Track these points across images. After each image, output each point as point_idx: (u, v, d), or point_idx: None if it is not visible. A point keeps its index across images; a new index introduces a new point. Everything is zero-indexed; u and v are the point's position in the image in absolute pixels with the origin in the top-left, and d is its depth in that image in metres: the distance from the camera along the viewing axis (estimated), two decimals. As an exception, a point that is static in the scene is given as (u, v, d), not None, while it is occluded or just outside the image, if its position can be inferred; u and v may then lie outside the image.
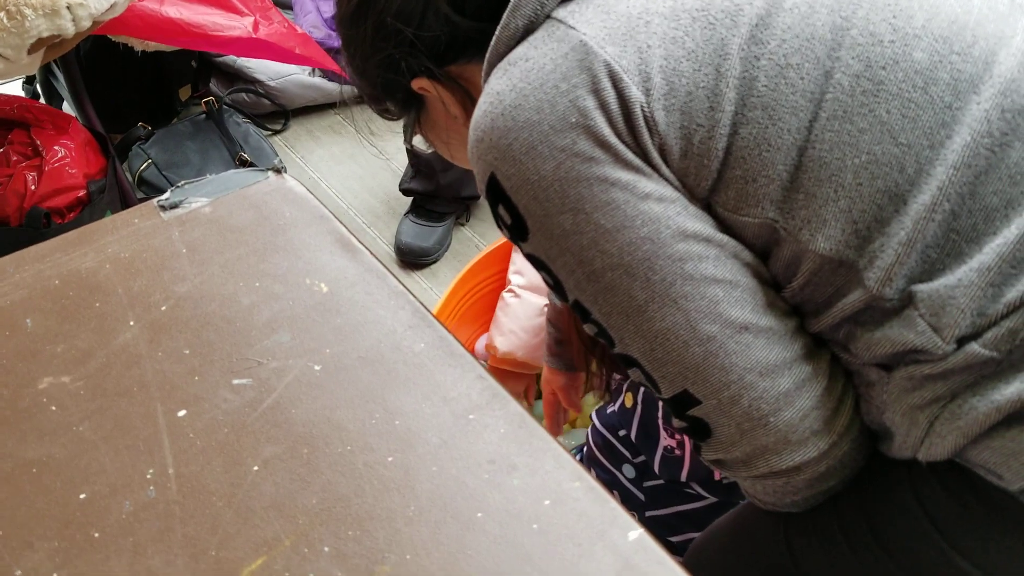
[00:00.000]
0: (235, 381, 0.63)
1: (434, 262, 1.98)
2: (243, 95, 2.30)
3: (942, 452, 0.63)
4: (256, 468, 0.58)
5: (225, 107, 2.12)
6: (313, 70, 2.36)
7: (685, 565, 0.93)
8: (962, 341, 0.60)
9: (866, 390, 0.68)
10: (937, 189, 0.60)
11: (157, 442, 0.60)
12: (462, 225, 2.06)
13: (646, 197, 0.64)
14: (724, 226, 0.66)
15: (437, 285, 1.92)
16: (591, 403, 1.47)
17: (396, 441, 0.59)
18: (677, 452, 1.06)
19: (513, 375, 1.52)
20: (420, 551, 0.53)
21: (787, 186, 0.63)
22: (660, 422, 1.06)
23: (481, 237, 2.04)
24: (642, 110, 0.63)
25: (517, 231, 0.69)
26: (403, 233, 1.97)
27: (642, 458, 1.09)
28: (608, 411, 1.15)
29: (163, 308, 0.68)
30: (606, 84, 0.63)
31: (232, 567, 0.53)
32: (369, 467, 0.58)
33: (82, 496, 0.57)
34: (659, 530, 1.04)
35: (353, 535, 0.54)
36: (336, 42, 2.32)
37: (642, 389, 1.08)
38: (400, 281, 0.71)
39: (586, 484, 0.56)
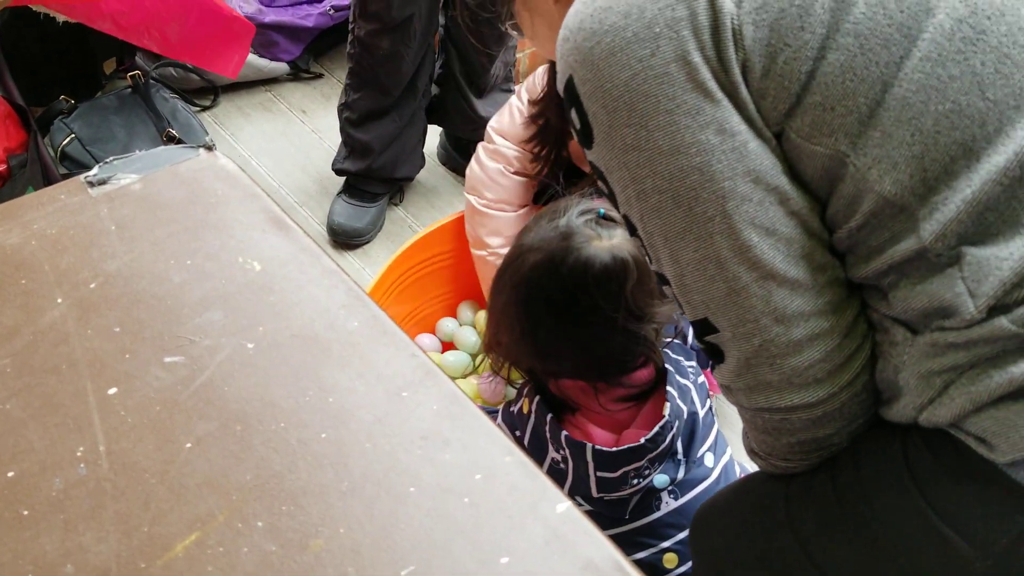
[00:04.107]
0: (167, 359, 0.63)
1: (367, 243, 1.97)
2: (171, 69, 2.24)
3: (946, 415, 0.64)
4: (189, 445, 0.58)
5: (152, 81, 2.07)
6: (243, 46, 2.32)
7: (691, 527, 0.95)
8: (992, 312, 0.61)
9: (888, 348, 0.69)
10: (1013, 153, 0.60)
11: (87, 420, 0.59)
12: (395, 206, 2.06)
13: (706, 126, 0.64)
14: (792, 156, 0.66)
15: (370, 265, 1.92)
16: None
17: (329, 418, 0.60)
18: (562, 465, 1.08)
19: None
20: (354, 525, 0.54)
21: (865, 120, 0.63)
22: (547, 435, 1.08)
23: (415, 218, 2.04)
24: (731, 22, 0.62)
25: (584, 137, 0.70)
26: (336, 213, 1.96)
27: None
28: (511, 409, 1.17)
29: (92, 286, 0.68)
30: None
31: (165, 543, 0.53)
32: (303, 443, 0.58)
33: (10, 474, 0.56)
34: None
35: (287, 510, 0.55)
36: (267, 17, 2.28)
37: (537, 398, 1.10)
38: (333, 259, 0.71)
39: (517, 459, 0.58)
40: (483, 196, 1.53)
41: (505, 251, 1.49)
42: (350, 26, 1.80)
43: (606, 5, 0.65)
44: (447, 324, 1.68)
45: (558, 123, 1.37)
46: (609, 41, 0.65)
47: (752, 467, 1.18)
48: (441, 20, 1.88)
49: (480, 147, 1.55)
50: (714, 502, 0.96)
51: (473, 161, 1.56)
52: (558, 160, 1.44)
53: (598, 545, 0.54)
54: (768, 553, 0.82)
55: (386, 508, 0.55)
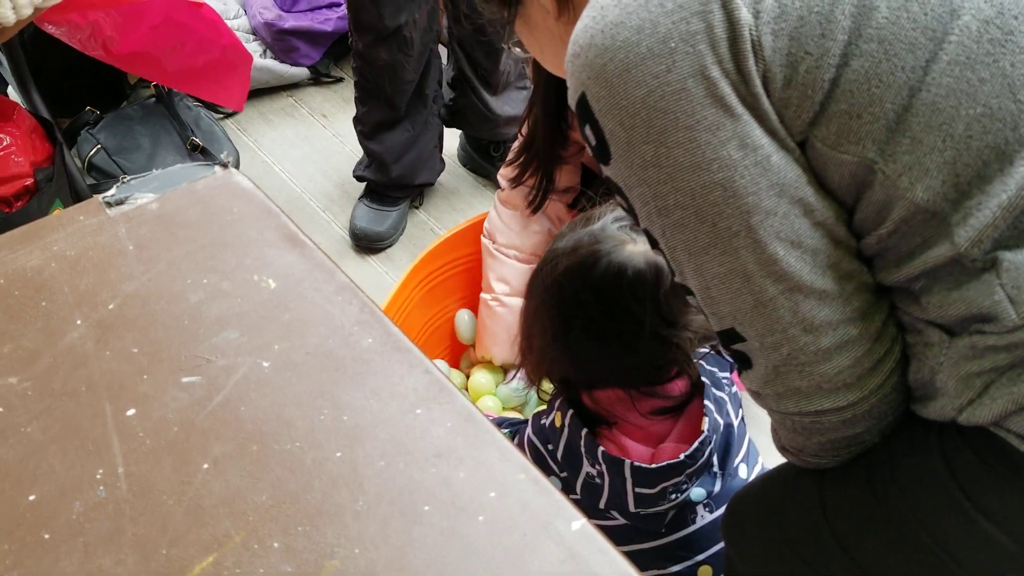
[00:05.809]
0: (184, 379, 0.64)
1: (389, 246, 1.98)
2: (193, 78, 2.26)
3: (987, 415, 0.64)
4: (206, 466, 0.59)
5: (175, 90, 2.09)
6: (265, 51, 2.34)
7: (726, 517, 0.95)
8: None
9: (923, 350, 0.68)
10: None
11: (106, 442, 0.60)
12: (416, 209, 2.06)
13: (727, 141, 0.63)
14: (817, 164, 0.65)
15: (393, 269, 1.92)
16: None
17: (344, 437, 0.60)
18: (597, 480, 1.07)
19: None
20: (368, 545, 0.55)
21: (892, 127, 0.61)
22: (582, 450, 1.07)
23: (436, 220, 2.04)
24: (750, 33, 0.61)
25: (600, 153, 0.69)
26: (358, 218, 1.97)
27: (565, 475, 1.11)
28: (541, 422, 1.16)
29: (110, 307, 0.69)
30: (714, 5, 0.61)
31: (183, 565, 0.54)
32: (318, 463, 0.59)
33: (31, 498, 0.57)
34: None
35: (303, 531, 0.55)
36: (286, 23, 2.29)
37: (570, 411, 1.10)
38: (347, 275, 0.71)
39: (531, 476, 0.58)
40: (495, 240, 1.55)
41: (510, 300, 1.50)
42: (350, 41, 1.80)
43: (617, 20, 0.64)
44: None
45: (545, 143, 1.36)
46: (623, 57, 0.64)
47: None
48: (444, 23, 1.87)
49: (496, 194, 1.57)
50: (748, 492, 0.95)
51: (491, 208, 1.58)
52: (548, 182, 1.43)
53: (613, 563, 0.54)
54: (805, 547, 0.81)
55: (401, 528, 0.55)
